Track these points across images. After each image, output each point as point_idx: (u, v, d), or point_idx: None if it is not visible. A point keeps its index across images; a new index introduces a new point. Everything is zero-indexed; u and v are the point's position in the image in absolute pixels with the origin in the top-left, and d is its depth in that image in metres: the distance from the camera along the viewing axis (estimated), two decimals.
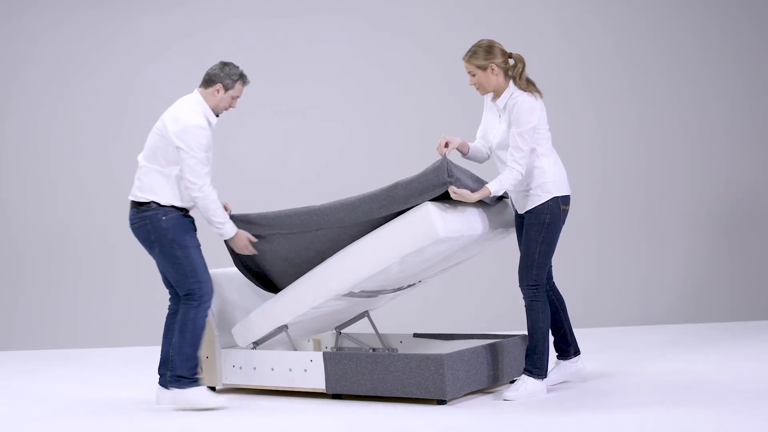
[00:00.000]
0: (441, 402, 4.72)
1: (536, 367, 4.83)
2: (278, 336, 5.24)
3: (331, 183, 7.87)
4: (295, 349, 5.18)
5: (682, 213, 7.77)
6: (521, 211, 4.89)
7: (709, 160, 7.77)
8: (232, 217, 5.14)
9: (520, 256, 4.87)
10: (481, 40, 4.83)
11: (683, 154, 7.77)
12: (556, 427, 4.18)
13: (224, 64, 5.07)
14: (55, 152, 7.97)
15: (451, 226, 4.66)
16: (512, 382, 5.09)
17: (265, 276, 5.28)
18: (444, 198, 4.89)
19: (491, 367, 4.96)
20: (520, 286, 4.87)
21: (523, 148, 4.70)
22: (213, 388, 5.39)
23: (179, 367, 4.92)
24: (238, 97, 5.09)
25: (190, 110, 5.00)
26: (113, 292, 7.93)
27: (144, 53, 7.96)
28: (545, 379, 4.88)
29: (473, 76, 4.82)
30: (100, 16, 7.97)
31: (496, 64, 4.77)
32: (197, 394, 4.92)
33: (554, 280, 5.16)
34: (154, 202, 4.95)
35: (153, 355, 7.13)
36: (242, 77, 5.07)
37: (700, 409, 4.40)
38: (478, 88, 4.87)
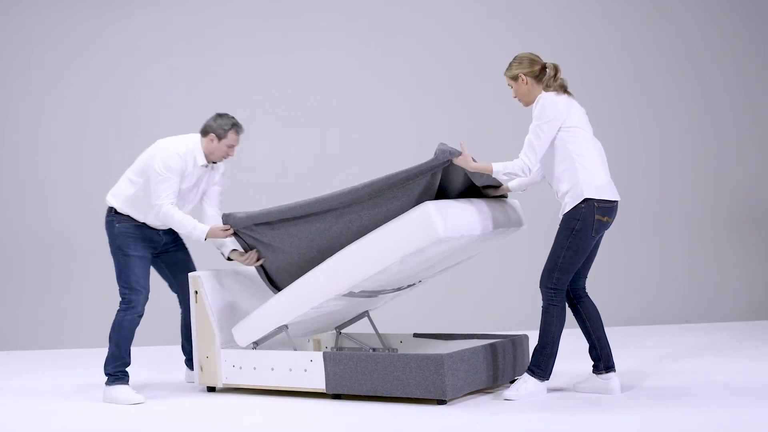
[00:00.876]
0: (441, 402, 4.72)
1: (540, 368, 4.81)
2: (278, 336, 5.24)
3: (330, 185, 7.87)
4: (295, 349, 5.18)
5: (682, 213, 7.77)
6: (560, 215, 4.82)
7: (710, 160, 7.77)
8: (231, 217, 5.25)
9: (547, 258, 4.81)
10: (519, 53, 4.88)
11: (683, 154, 7.78)
12: (556, 427, 4.18)
13: (218, 116, 5.36)
14: (56, 152, 7.97)
15: (451, 226, 4.65)
16: (512, 382, 5.08)
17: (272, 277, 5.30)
18: (444, 198, 4.89)
19: (491, 367, 4.96)
20: (540, 286, 4.82)
21: (533, 142, 4.66)
22: (213, 388, 5.40)
23: (106, 365, 5.35)
24: (233, 145, 5.38)
25: (179, 141, 5.36)
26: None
27: (144, 54, 7.96)
28: (546, 381, 4.87)
29: (512, 88, 4.87)
30: (100, 17, 7.97)
31: (524, 73, 4.79)
32: (119, 392, 5.27)
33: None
34: (113, 208, 5.42)
35: (154, 355, 7.14)
36: (234, 127, 5.35)
37: (700, 409, 4.40)
38: (520, 101, 4.88)
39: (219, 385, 5.32)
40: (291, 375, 5.05)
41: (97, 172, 7.95)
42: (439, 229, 4.60)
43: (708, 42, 7.80)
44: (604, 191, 4.71)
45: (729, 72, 7.79)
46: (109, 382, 5.32)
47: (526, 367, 4.96)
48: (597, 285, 7.62)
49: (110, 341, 5.39)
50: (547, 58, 7.72)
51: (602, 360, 4.91)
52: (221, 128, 5.30)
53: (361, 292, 5.02)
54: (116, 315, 5.42)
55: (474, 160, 4.72)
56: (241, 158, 7.88)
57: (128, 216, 5.38)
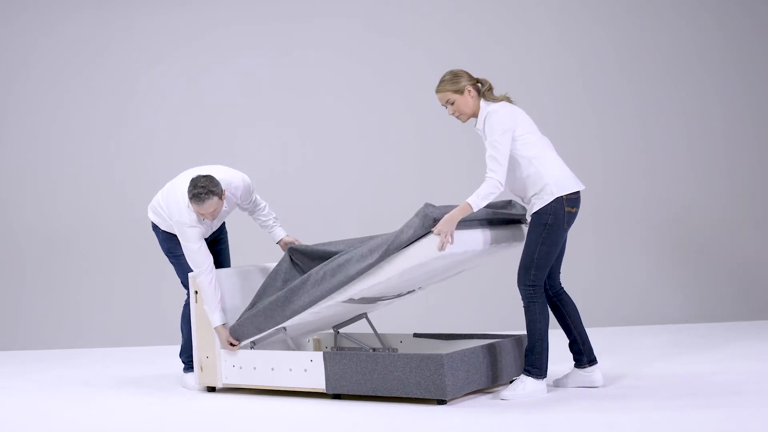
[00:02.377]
0: (441, 402, 4.72)
1: (534, 367, 4.83)
2: (278, 336, 5.24)
3: (329, 186, 7.87)
4: (295, 349, 5.18)
5: (681, 213, 7.77)
6: (528, 216, 4.88)
7: (709, 160, 7.77)
8: (236, 331, 5.27)
9: (521, 256, 4.86)
10: (447, 71, 4.86)
11: (683, 155, 7.77)
12: (556, 427, 4.18)
13: (191, 181, 5.24)
14: (56, 152, 7.98)
15: (455, 242, 4.62)
16: (512, 382, 5.08)
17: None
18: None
19: (491, 367, 4.96)
20: (518, 285, 4.86)
21: (496, 156, 4.66)
22: (213, 389, 5.40)
23: (181, 354, 5.73)
24: (200, 213, 5.24)
25: (184, 202, 5.31)
26: (115, 292, 7.93)
27: (145, 54, 7.97)
28: (545, 379, 4.88)
29: (451, 104, 4.82)
30: (101, 18, 7.97)
31: (471, 85, 4.80)
32: (190, 378, 5.60)
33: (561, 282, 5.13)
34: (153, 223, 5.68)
35: (153, 355, 7.14)
36: (193, 198, 5.20)
37: (700, 409, 4.40)
38: (458, 116, 4.85)
39: (219, 385, 5.32)
40: (291, 375, 5.05)
41: (98, 173, 7.95)
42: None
43: (708, 45, 7.79)
44: (569, 185, 4.79)
45: (728, 74, 7.79)
46: (184, 370, 5.67)
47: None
48: (597, 285, 7.66)
49: (182, 332, 5.69)
50: (547, 59, 7.79)
51: (585, 354, 5.00)
52: (188, 194, 5.24)
53: (360, 299, 5.02)
54: (183, 308, 5.68)
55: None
56: (239, 158, 7.90)
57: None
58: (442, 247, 4.54)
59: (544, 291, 4.88)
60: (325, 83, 7.91)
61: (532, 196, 4.78)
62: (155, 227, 5.64)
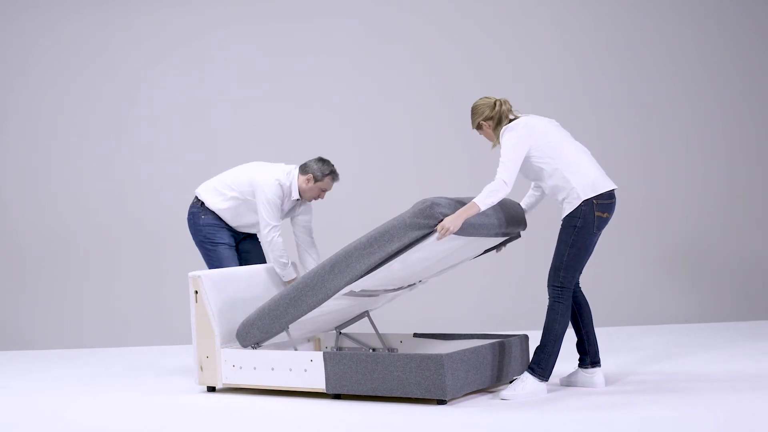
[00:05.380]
0: (441, 402, 4.72)
1: (540, 367, 4.84)
2: (278, 336, 5.24)
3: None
4: (295, 349, 5.18)
5: (681, 212, 7.77)
6: (561, 219, 4.93)
7: (709, 160, 7.77)
8: (242, 337, 5.31)
9: (552, 258, 4.92)
10: (473, 104, 5.00)
11: (682, 154, 7.78)
12: (556, 427, 4.18)
13: (320, 159, 5.73)
14: (57, 152, 7.98)
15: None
16: (512, 382, 5.09)
17: None
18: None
19: (491, 367, 4.96)
20: (547, 285, 4.91)
21: (503, 160, 4.76)
22: (213, 388, 5.40)
23: None
24: (326, 190, 5.75)
25: (270, 175, 5.70)
26: (115, 292, 7.93)
27: (145, 55, 7.96)
28: (546, 382, 4.88)
29: (480, 133, 5.01)
30: (101, 18, 7.97)
31: (484, 118, 4.91)
32: None
33: (580, 285, 5.16)
34: (203, 201, 5.84)
35: (154, 355, 7.13)
36: (332, 174, 5.71)
37: (700, 409, 4.40)
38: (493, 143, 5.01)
39: (219, 385, 5.32)
40: (291, 375, 5.06)
41: (98, 172, 7.95)
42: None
43: (708, 43, 7.80)
44: (599, 185, 4.83)
45: (729, 73, 7.79)
46: None
47: (527, 366, 4.98)
48: (597, 285, 7.65)
49: None
50: (546, 59, 7.79)
51: (589, 355, 5.08)
52: (320, 172, 5.66)
53: (361, 291, 5.03)
54: None
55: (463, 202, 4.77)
56: (239, 158, 7.90)
57: (214, 213, 5.81)
58: (440, 236, 4.60)
59: (571, 294, 4.90)
60: (325, 83, 7.90)
61: (563, 200, 4.86)
62: (196, 213, 5.79)
